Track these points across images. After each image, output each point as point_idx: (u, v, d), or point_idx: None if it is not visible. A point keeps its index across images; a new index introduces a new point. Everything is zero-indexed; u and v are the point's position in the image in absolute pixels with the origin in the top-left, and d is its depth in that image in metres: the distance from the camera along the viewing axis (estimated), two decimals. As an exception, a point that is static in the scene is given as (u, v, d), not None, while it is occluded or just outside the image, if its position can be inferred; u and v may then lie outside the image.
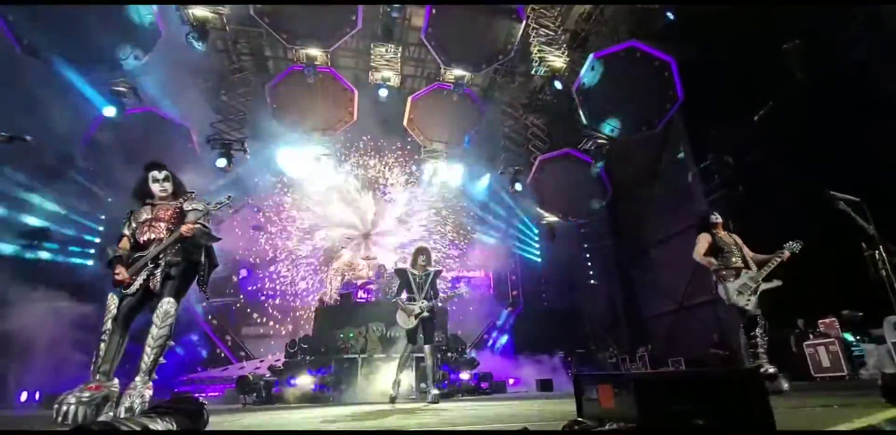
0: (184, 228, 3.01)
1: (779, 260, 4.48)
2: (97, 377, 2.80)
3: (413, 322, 5.33)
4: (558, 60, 11.30)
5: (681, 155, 11.44)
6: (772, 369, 4.17)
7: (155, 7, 7.98)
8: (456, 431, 2.19)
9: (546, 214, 13.12)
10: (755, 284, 4.39)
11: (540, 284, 16.76)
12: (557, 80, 11.32)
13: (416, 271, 5.56)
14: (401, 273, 5.70)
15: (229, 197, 3.27)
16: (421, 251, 5.71)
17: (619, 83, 9.73)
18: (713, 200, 9.93)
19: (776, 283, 4.50)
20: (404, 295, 5.51)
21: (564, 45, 11.55)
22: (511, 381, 12.44)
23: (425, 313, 5.34)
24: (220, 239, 3.27)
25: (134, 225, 3.18)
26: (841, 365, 6.78)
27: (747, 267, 4.49)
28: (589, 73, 9.90)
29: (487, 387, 9.40)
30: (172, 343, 2.99)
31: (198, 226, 3.08)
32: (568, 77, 11.44)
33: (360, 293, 11.19)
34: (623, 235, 14.20)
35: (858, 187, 3.67)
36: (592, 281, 15.84)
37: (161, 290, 2.99)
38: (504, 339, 15.20)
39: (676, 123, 10.85)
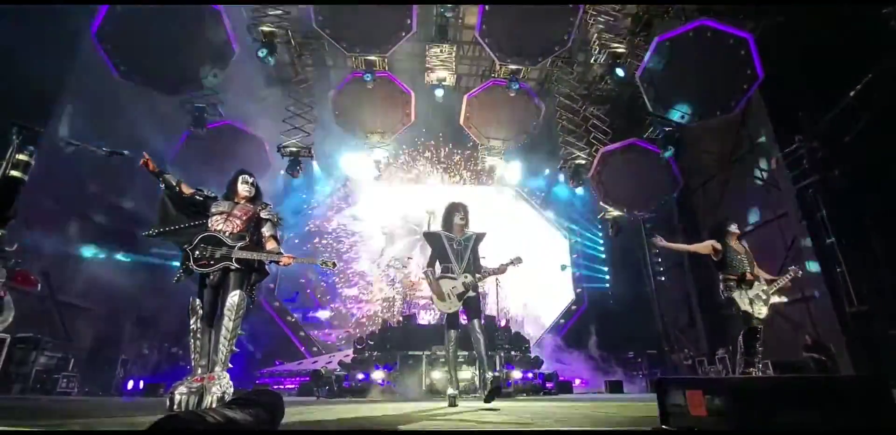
0: (284, 260, 3.31)
1: (789, 278, 4.88)
2: (198, 371, 3.14)
3: (457, 304, 4.01)
4: (620, 46, 10.77)
5: (762, 139, 10.48)
6: None
7: (229, 26, 8.59)
8: (522, 431, 2.14)
9: (609, 209, 12.56)
10: (766, 296, 4.69)
11: (605, 282, 16.16)
12: (619, 67, 10.80)
13: (452, 234, 4.23)
14: (432, 238, 4.28)
15: (334, 264, 3.53)
16: (456, 208, 4.29)
17: (688, 66, 9.02)
18: (803, 188, 9.00)
19: (784, 298, 4.93)
20: (438, 267, 4.16)
21: (626, 30, 10.99)
22: (577, 381, 12.08)
23: (471, 292, 4.01)
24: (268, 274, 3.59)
25: (207, 202, 3.56)
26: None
27: (757, 279, 4.74)
28: (654, 58, 9.29)
29: (553, 387, 9.17)
30: (243, 332, 3.27)
31: (292, 260, 3.37)
32: (630, 63, 10.87)
33: (423, 314, 10.60)
34: (696, 229, 13.27)
35: None
36: (662, 278, 14.98)
37: (231, 283, 3.25)
38: (568, 338, 14.78)
39: (756, 104, 9.93)
